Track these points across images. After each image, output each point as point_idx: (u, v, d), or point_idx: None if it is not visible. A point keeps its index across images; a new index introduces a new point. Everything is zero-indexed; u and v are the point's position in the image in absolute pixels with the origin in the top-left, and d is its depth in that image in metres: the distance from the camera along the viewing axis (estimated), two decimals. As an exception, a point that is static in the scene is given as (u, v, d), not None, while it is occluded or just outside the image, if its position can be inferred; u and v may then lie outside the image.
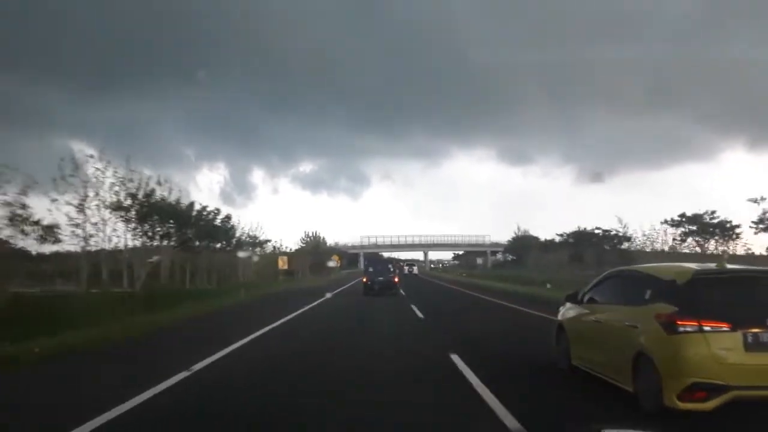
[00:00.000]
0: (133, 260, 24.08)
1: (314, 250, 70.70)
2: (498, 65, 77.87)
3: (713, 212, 34.82)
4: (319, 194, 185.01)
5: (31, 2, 65.11)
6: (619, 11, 77.21)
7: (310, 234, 76.63)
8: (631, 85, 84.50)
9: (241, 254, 40.03)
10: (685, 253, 33.43)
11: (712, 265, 6.42)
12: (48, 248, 21.36)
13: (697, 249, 34.03)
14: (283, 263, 45.83)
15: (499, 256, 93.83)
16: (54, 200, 17.52)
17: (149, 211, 23.64)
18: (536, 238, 73.40)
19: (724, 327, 5.32)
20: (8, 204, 14.36)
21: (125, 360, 9.62)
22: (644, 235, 33.31)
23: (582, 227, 56.85)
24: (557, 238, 62.94)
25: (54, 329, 11.02)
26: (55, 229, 17.31)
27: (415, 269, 79.97)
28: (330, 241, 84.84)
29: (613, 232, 46.03)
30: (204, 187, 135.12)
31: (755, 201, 28.14)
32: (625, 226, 37.70)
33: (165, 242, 27.70)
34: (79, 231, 18.24)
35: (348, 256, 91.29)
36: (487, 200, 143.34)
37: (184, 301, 19.84)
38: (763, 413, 5.76)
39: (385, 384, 7.52)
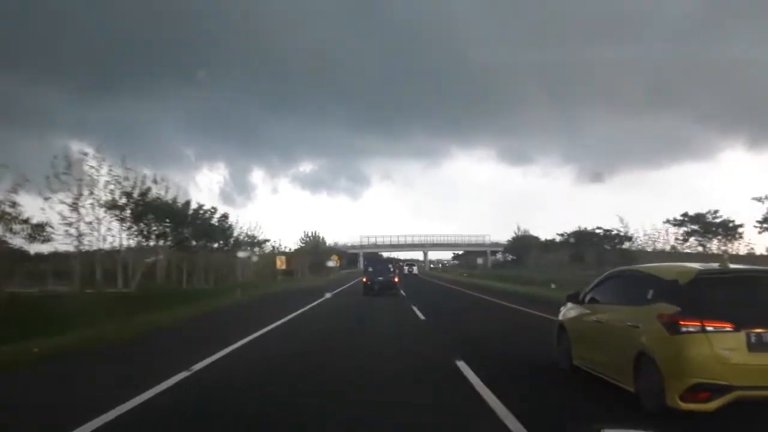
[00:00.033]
0: (128, 260, 23.95)
1: (314, 250, 70.75)
2: (498, 65, 77.82)
3: (716, 211, 34.78)
4: (319, 194, 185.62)
5: (31, 2, 65.05)
6: (619, 11, 77.24)
7: (310, 234, 76.83)
8: (631, 85, 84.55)
9: (240, 254, 39.97)
10: (687, 252, 33.41)
11: (715, 265, 6.40)
12: (45, 248, 21.28)
13: (699, 248, 34.01)
14: (281, 263, 45.77)
15: (499, 256, 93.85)
16: (47, 198, 17.34)
17: (145, 210, 23.48)
18: (536, 238, 73.56)
19: (727, 327, 5.30)
20: None
21: (125, 360, 9.58)
22: (645, 235, 33.35)
23: (583, 227, 57.04)
24: (558, 238, 63.19)
25: (47, 329, 10.96)
26: (46, 228, 17.15)
27: (415, 269, 79.78)
28: (329, 241, 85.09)
29: (614, 232, 46.19)
30: (204, 187, 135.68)
31: (760, 200, 28.11)
32: (626, 226, 37.76)
33: (161, 242, 27.59)
34: (72, 230, 18.11)
35: (347, 256, 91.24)
36: (487, 200, 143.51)
37: (181, 301, 19.66)
38: (766, 413, 5.74)
39: (385, 384, 7.50)
